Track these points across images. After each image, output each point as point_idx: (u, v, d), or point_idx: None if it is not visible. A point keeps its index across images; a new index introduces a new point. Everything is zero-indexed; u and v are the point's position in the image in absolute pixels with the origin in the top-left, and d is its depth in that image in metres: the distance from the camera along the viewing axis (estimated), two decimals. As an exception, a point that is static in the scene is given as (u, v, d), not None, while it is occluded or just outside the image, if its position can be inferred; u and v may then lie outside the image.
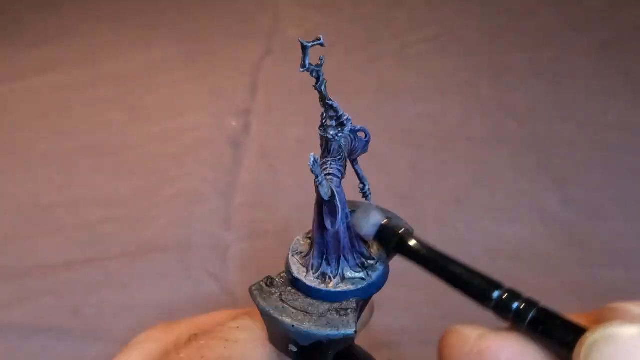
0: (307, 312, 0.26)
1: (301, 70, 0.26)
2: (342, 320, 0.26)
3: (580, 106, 0.80)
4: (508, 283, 0.56)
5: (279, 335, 0.27)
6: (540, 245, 0.58)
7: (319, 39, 0.26)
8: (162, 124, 0.77)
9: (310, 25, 1.01)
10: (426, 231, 0.59)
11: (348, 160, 0.28)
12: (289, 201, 0.63)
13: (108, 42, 0.97)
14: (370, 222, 0.26)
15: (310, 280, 0.27)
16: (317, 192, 0.26)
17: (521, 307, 0.21)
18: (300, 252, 0.29)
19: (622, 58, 0.90)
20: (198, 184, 0.67)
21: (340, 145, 0.26)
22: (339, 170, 0.26)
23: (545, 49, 0.93)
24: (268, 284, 0.27)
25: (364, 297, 0.27)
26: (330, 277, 0.27)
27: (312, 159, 0.24)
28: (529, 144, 0.73)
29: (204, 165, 0.70)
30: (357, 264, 0.28)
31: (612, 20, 0.99)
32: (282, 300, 0.26)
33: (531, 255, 0.57)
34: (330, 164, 0.26)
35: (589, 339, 0.18)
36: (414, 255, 0.25)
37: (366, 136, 0.28)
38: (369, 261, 0.28)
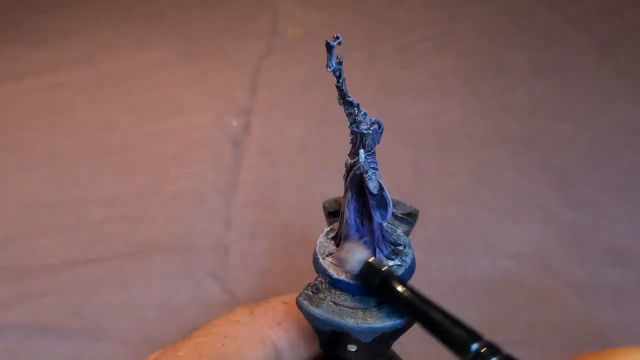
0: (364, 309, 0.26)
1: (329, 70, 0.26)
2: (370, 313, 0.26)
3: (581, 106, 0.80)
4: (509, 283, 0.56)
5: (336, 339, 0.26)
6: (541, 244, 0.58)
7: (338, 38, 0.25)
8: (162, 124, 0.77)
9: (311, 25, 1.01)
10: (426, 231, 0.59)
11: None
12: (290, 201, 0.63)
13: (108, 42, 0.97)
14: (355, 259, 0.26)
15: (344, 279, 0.27)
16: (365, 186, 0.26)
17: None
18: (331, 253, 0.28)
19: (623, 58, 0.90)
20: (199, 183, 0.67)
21: (373, 139, 0.26)
22: (376, 163, 0.26)
23: (545, 49, 0.93)
24: (314, 291, 0.27)
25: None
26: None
27: (363, 156, 0.25)
28: (530, 143, 0.73)
29: (204, 164, 0.70)
30: (390, 252, 0.28)
31: (612, 20, 0.99)
32: (335, 303, 0.26)
33: (532, 255, 0.57)
34: (367, 159, 0.26)
35: None
36: (395, 297, 0.24)
37: (379, 127, 0.27)
38: (398, 247, 0.28)
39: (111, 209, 0.63)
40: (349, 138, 0.27)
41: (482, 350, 0.21)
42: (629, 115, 0.77)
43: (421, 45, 0.94)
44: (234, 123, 0.77)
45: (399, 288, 0.24)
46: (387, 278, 0.25)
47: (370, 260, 0.26)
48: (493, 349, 0.21)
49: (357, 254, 0.26)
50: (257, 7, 1.07)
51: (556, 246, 0.58)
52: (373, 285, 0.25)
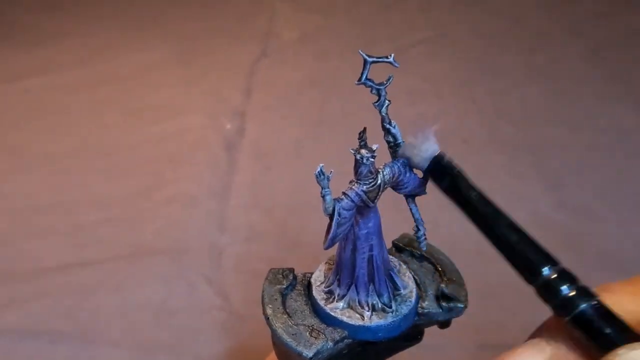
0: (292, 321, 0.26)
1: (357, 83, 0.25)
2: (307, 339, 0.25)
3: (574, 110, 0.80)
4: (502, 285, 0.56)
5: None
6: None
7: (389, 57, 0.25)
8: (157, 126, 0.77)
9: (306, 28, 1.01)
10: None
11: (398, 194, 0.27)
12: (284, 203, 0.63)
13: (104, 44, 0.96)
14: (423, 151, 0.23)
15: (319, 292, 0.27)
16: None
17: (571, 294, 0.18)
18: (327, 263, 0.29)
19: (616, 62, 0.90)
20: (193, 186, 0.67)
21: (371, 170, 0.24)
22: (359, 195, 0.24)
23: (539, 53, 0.93)
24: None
25: (351, 335, 0.26)
26: (333, 298, 0.27)
27: (319, 169, 0.23)
28: (524, 147, 0.73)
29: (199, 167, 0.70)
30: (368, 302, 0.26)
31: (606, 24, 1.00)
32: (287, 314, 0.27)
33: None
34: (353, 185, 0.25)
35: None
36: (464, 204, 0.21)
37: (423, 177, 0.25)
38: (387, 308, 0.27)
39: (105, 211, 0.63)
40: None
41: (553, 277, 0.18)
42: (622, 120, 0.78)
43: (416, 49, 0.94)
44: (229, 126, 0.77)
45: (472, 195, 0.21)
46: (458, 179, 0.21)
47: (438, 154, 0.22)
48: (567, 276, 0.18)
49: (425, 145, 0.23)
50: (252, 9, 1.07)
51: (549, 249, 0.58)
52: (440, 186, 0.22)
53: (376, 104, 0.25)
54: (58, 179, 0.68)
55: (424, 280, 0.28)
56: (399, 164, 0.25)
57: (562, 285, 0.18)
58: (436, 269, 0.29)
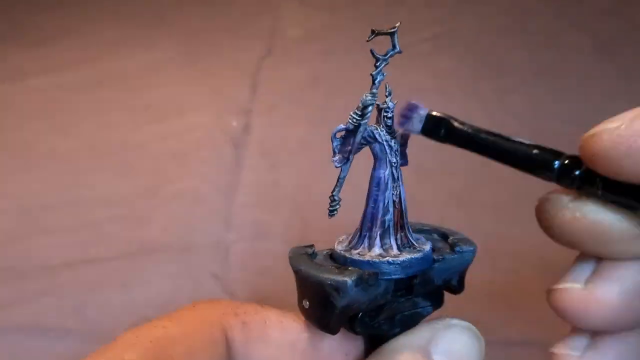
0: (322, 265, 0.27)
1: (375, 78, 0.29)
2: (336, 273, 0.26)
3: (580, 106, 0.80)
4: (509, 283, 0.56)
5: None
6: (542, 245, 0.58)
7: (394, 49, 0.28)
8: (162, 124, 0.77)
9: (311, 26, 1.01)
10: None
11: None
12: (290, 201, 0.63)
13: (109, 42, 0.97)
14: (417, 118, 0.26)
15: (343, 248, 0.28)
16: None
17: (584, 171, 0.21)
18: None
19: (624, 58, 0.90)
20: (199, 184, 0.67)
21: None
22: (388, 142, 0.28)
23: (545, 49, 0.93)
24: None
25: (382, 274, 0.27)
26: (358, 248, 0.28)
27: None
28: (530, 144, 0.73)
29: (204, 165, 0.70)
30: (391, 243, 0.28)
31: (613, 20, 0.99)
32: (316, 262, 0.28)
33: (532, 255, 0.57)
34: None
35: None
36: (465, 139, 0.25)
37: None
38: (411, 247, 0.28)
39: (111, 209, 0.63)
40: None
41: (566, 163, 0.22)
42: (629, 116, 0.77)
43: (421, 46, 0.94)
44: (234, 123, 0.77)
45: (466, 129, 0.25)
46: (450, 123, 0.25)
47: (429, 113, 0.26)
48: (576, 160, 0.22)
49: (418, 112, 0.26)
50: (257, 7, 1.07)
51: (556, 246, 0.58)
52: (438, 137, 0.26)
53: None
54: (64, 178, 0.68)
55: (434, 242, 0.30)
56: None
57: (576, 170, 0.21)
58: (443, 235, 0.31)
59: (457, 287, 0.30)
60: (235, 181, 0.67)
